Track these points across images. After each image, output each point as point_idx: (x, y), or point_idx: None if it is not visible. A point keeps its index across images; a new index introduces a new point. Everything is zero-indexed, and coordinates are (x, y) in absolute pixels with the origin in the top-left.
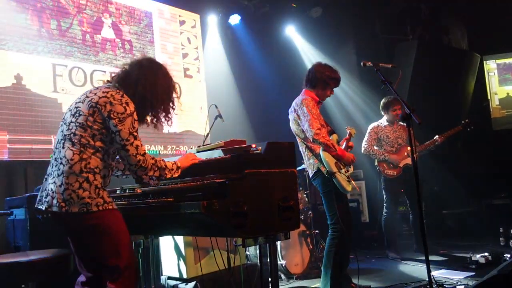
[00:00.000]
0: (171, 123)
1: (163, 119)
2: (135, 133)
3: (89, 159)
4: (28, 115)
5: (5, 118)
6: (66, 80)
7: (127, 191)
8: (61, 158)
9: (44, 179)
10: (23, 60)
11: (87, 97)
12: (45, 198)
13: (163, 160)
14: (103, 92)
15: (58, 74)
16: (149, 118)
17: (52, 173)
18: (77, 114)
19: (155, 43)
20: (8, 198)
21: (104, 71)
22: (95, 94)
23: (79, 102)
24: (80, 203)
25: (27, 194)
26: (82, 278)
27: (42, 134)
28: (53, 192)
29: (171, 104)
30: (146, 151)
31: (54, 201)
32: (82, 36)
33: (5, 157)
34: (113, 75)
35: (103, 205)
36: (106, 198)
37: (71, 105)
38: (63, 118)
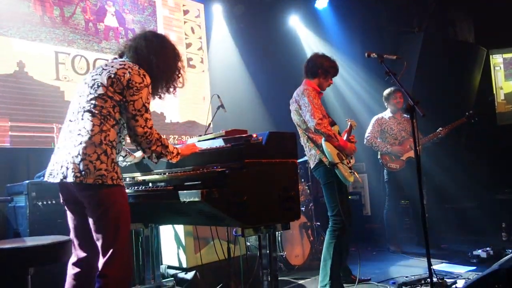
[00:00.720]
0: (176, 92)
1: (171, 89)
2: (147, 105)
3: (108, 132)
4: (30, 102)
5: (7, 105)
6: (69, 68)
7: (127, 179)
8: (79, 130)
9: (55, 152)
10: (25, 47)
11: (103, 69)
12: (60, 169)
13: (167, 141)
14: (120, 64)
15: (61, 62)
16: (160, 91)
17: (67, 145)
18: (96, 86)
19: (158, 32)
20: (8, 185)
21: (107, 60)
22: (112, 66)
23: (96, 74)
24: (96, 175)
25: (27, 181)
26: (73, 258)
27: (44, 122)
28: (68, 163)
29: (178, 74)
30: (153, 126)
31: (69, 172)
32: (85, 24)
33: (7, 145)
34: (119, 51)
35: (117, 179)
36: (120, 174)
37: (85, 79)
38: (78, 91)
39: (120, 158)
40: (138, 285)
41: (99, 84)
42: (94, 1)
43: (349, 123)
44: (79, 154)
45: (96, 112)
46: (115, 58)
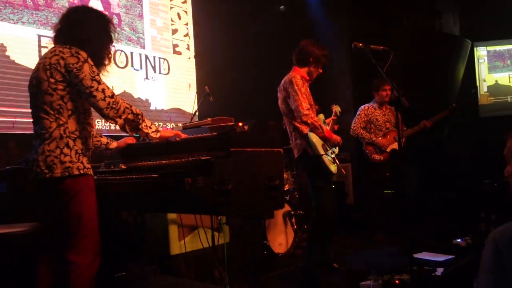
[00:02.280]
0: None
1: (106, 59)
2: (97, 77)
3: (66, 124)
4: (11, 87)
5: None
6: None
7: (111, 167)
8: (40, 129)
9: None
10: (7, 30)
11: (39, 64)
12: (31, 169)
13: (141, 111)
14: (51, 52)
15: (44, 45)
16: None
17: (35, 144)
18: (38, 83)
19: (144, 17)
20: None
21: None
22: (45, 57)
23: (35, 72)
24: (62, 168)
25: (9, 167)
26: (45, 253)
27: (26, 107)
28: (36, 161)
29: (111, 45)
30: (115, 94)
31: (38, 169)
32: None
33: None
34: (52, 40)
35: (83, 169)
36: (86, 164)
37: (30, 79)
38: (30, 94)
39: (103, 147)
40: (122, 273)
41: (40, 80)
42: None
43: (334, 109)
44: (43, 151)
45: (48, 108)
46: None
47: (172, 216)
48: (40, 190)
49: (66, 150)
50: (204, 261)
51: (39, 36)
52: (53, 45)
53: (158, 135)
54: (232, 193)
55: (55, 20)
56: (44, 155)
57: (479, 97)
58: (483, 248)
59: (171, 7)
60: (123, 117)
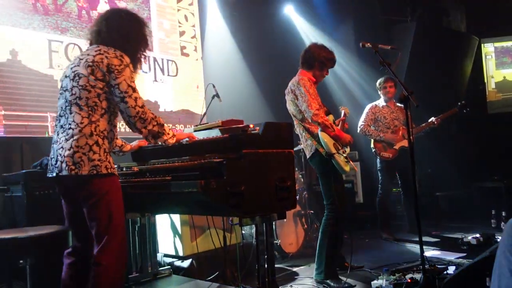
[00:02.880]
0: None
1: (142, 59)
2: (133, 85)
3: (97, 122)
4: (23, 91)
5: (0, 94)
6: (62, 56)
7: (124, 169)
8: (69, 123)
9: (51, 148)
10: (18, 36)
11: (81, 59)
12: (55, 164)
13: (162, 119)
14: (96, 51)
15: (54, 50)
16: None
17: (59, 139)
18: (77, 77)
19: (152, 20)
20: (5, 174)
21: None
22: (88, 54)
23: (75, 66)
24: (90, 165)
25: (24, 171)
26: (70, 249)
27: (38, 111)
28: (62, 157)
29: (146, 42)
30: (145, 105)
31: (64, 165)
32: (78, 11)
33: (1, 133)
34: (88, 39)
35: (110, 168)
36: (112, 164)
37: (65, 72)
38: (62, 86)
39: (116, 149)
40: (135, 273)
41: (80, 75)
42: None
43: (343, 111)
44: (71, 147)
45: (83, 104)
46: (90, 45)
47: (184, 217)
48: (63, 188)
49: (95, 148)
50: (216, 261)
51: (49, 40)
52: (90, 46)
53: (174, 139)
54: (245, 194)
55: (65, 24)
56: (72, 150)
57: (487, 93)
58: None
59: (178, 9)
60: (148, 128)
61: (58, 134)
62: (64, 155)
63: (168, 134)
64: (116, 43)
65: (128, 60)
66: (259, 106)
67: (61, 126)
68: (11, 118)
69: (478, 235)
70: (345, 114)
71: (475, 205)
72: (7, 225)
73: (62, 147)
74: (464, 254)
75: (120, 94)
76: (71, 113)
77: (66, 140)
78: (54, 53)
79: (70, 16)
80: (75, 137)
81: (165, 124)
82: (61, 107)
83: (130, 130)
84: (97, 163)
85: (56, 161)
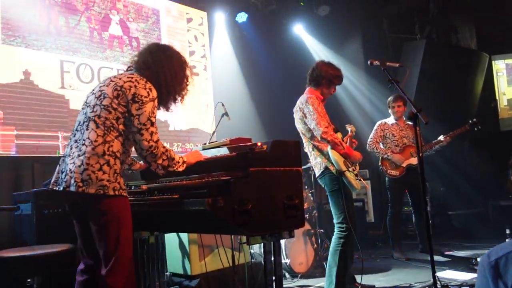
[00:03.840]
0: (183, 101)
1: (179, 98)
2: (153, 119)
3: (111, 142)
4: (35, 111)
5: (13, 113)
6: (74, 76)
7: (133, 188)
8: (83, 140)
9: (61, 161)
10: (31, 56)
11: (111, 81)
12: (63, 178)
13: (173, 152)
14: (128, 77)
15: (66, 70)
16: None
17: (71, 154)
18: (102, 97)
19: (162, 40)
20: (15, 193)
21: (112, 68)
22: (120, 78)
23: (104, 85)
24: (97, 185)
25: (34, 190)
26: (81, 265)
27: (50, 130)
28: (71, 172)
29: (187, 82)
30: (159, 139)
31: (72, 181)
32: (90, 33)
33: (13, 153)
34: (130, 64)
35: (119, 190)
36: (122, 185)
37: (94, 89)
38: (86, 102)
39: (126, 167)
40: None
41: (105, 95)
42: (99, 10)
43: (349, 128)
44: (82, 164)
45: (100, 123)
46: (126, 70)
47: (192, 236)
48: (73, 204)
49: (105, 168)
50: (224, 281)
51: (62, 61)
52: (126, 70)
53: (184, 166)
54: (252, 212)
55: (76, 45)
56: (82, 167)
57: (499, 110)
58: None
59: (188, 30)
60: (158, 162)
61: (71, 148)
62: (73, 171)
63: (178, 163)
64: (153, 76)
65: (155, 95)
66: (268, 124)
67: (76, 141)
68: (23, 138)
69: None
70: (352, 131)
71: (489, 224)
72: (16, 244)
73: (73, 162)
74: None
75: (139, 125)
76: (87, 129)
77: (78, 155)
78: (66, 73)
79: (82, 37)
80: (87, 155)
81: (175, 156)
82: (79, 122)
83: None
84: (105, 183)
85: (66, 175)
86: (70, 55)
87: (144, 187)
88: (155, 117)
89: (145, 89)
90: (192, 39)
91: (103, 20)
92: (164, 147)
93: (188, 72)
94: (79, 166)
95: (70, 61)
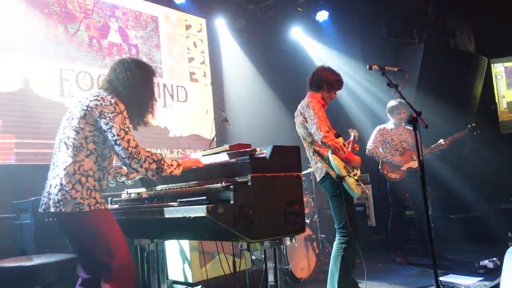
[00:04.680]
0: (155, 117)
1: (150, 115)
2: (126, 129)
3: (82, 162)
4: (35, 119)
5: (12, 122)
6: (73, 84)
7: (132, 195)
8: (57, 161)
9: (46, 184)
10: (30, 64)
11: (79, 102)
12: (43, 200)
13: (161, 155)
14: (94, 96)
15: (65, 78)
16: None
17: (49, 176)
18: (70, 119)
19: (161, 47)
20: (15, 202)
21: None
22: (87, 98)
23: (73, 107)
24: (73, 203)
25: (33, 198)
26: (79, 280)
27: (49, 139)
28: (49, 194)
29: (154, 101)
30: (139, 145)
31: (50, 202)
32: (89, 40)
33: (12, 161)
34: (101, 79)
35: (95, 205)
36: (99, 199)
37: (66, 114)
38: (60, 125)
39: (123, 178)
40: None
41: (73, 117)
42: (98, 18)
43: (352, 133)
44: (57, 184)
45: (69, 144)
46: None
47: (192, 243)
48: (58, 223)
49: (77, 187)
50: (226, 287)
51: (61, 69)
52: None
53: (181, 169)
54: (252, 218)
55: (75, 53)
56: (57, 187)
57: (499, 113)
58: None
59: (187, 36)
60: (144, 167)
61: (50, 172)
62: (51, 192)
63: (172, 165)
64: (121, 93)
65: (122, 107)
66: (268, 129)
67: (53, 164)
68: (22, 146)
69: (495, 259)
70: (354, 137)
71: (491, 227)
72: (16, 252)
73: (50, 184)
74: (481, 278)
75: (113, 137)
76: (59, 151)
77: (54, 177)
78: (65, 81)
79: (81, 45)
80: (59, 175)
81: (164, 158)
82: (55, 145)
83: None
84: (79, 201)
85: (45, 197)
86: (69, 63)
87: (144, 194)
88: (128, 127)
89: (111, 105)
90: (191, 46)
91: (102, 28)
92: (148, 151)
93: (155, 81)
94: (55, 187)
95: (69, 69)
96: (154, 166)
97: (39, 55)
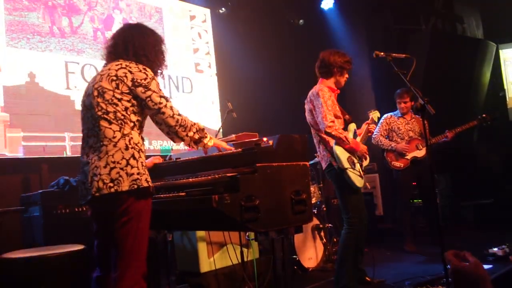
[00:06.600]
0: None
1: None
2: (164, 95)
3: (130, 135)
4: (41, 112)
5: (19, 116)
6: (79, 77)
7: None
8: (100, 141)
9: (81, 173)
10: (35, 58)
11: (102, 75)
12: (89, 186)
13: (200, 124)
14: (117, 65)
15: (71, 71)
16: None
17: (90, 160)
18: (102, 92)
19: (166, 38)
20: (23, 195)
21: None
22: (109, 69)
23: (96, 82)
24: (130, 180)
25: (41, 191)
26: (97, 272)
27: (56, 131)
28: (97, 176)
29: (163, 56)
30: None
31: (101, 184)
32: (93, 33)
33: (20, 155)
34: (103, 57)
35: (151, 181)
36: (149, 178)
37: (86, 92)
38: (85, 106)
39: None
40: None
41: (104, 90)
42: (102, 10)
43: (371, 115)
44: (107, 164)
45: (111, 118)
46: (106, 64)
47: (200, 233)
48: (98, 210)
49: (132, 162)
50: (234, 277)
51: (66, 62)
52: (106, 61)
53: (212, 142)
54: (259, 208)
55: (81, 46)
56: (108, 167)
57: (507, 100)
58: None
59: (192, 27)
60: (189, 135)
61: (88, 156)
62: (99, 173)
63: (207, 137)
64: (133, 58)
65: (152, 73)
66: (275, 118)
67: (91, 147)
68: (30, 139)
69: (504, 246)
70: (372, 119)
71: (500, 214)
72: (25, 245)
73: (96, 166)
74: (491, 266)
75: (155, 106)
76: (100, 129)
77: (100, 158)
78: (71, 74)
79: (85, 38)
80: (110, 153)
81: (203, 129)
82: (88, 127)
83: (184, 144)
84: (136, 177)
85: (91, 181)
86: (74, 55)
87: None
88: (163, 93)
89: (141, 71)
90: (196, 37)
91: (106, 20)
92: (191, 120)
93: (164, 47)
94: (104, 167)
95: (74, 62)
96: (197, 136)
97: (45, 48)
